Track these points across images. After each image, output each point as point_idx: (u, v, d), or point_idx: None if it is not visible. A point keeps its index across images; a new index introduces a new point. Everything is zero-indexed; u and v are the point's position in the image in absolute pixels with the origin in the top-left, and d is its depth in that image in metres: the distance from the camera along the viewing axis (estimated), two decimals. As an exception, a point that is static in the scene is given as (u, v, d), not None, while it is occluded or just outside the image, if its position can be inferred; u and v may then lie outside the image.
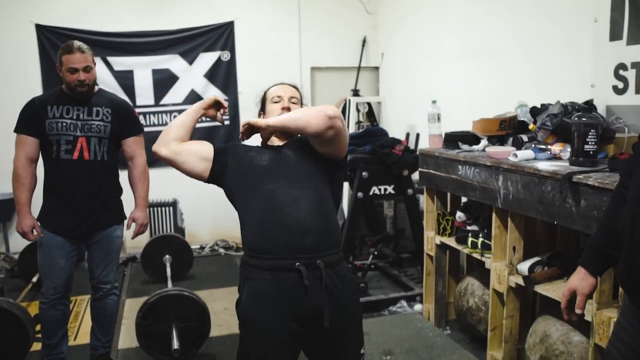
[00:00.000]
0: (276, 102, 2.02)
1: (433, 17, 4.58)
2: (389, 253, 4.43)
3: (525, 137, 2.85)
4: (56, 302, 2.77)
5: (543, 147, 2.68)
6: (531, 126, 2.86)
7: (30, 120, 2.69)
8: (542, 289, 2.52)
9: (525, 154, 2.63)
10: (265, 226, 1.77)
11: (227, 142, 4.27)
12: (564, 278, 2.53)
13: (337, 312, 1.76)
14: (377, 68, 5.78)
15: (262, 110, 2.09)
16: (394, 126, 5.14)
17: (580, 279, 1.58)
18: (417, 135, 4.44)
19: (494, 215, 2.80)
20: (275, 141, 1.98)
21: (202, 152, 1.93)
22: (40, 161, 2.77)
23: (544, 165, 2.43)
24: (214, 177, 1.94)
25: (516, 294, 2.77)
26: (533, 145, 2.74)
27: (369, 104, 5.36)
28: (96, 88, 2.81)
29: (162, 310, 3.03)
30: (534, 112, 3.01)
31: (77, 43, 2.70)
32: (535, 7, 3.37)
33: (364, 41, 5.66)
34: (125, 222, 2.94)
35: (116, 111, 2.78)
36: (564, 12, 3.16)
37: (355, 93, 5.22)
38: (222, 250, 5.38)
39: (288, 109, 1.97)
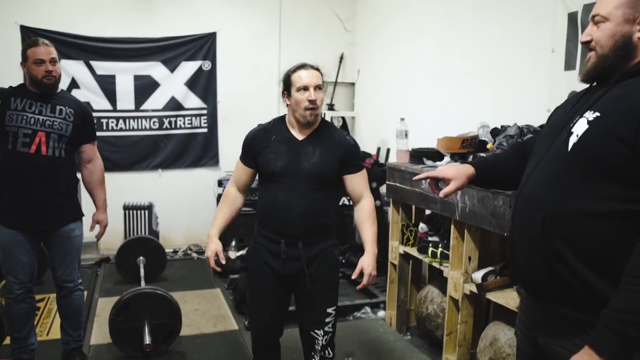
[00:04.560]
0: (302, 91, 2.24)
1: (407, 37, 4.81)
2: (356, 262, 4.59)
3: (484, 156, 3.07)
4: (23, 297, 2.82)
5: (499, 165, 2.89)
6: (489, 145, 3.08)
7: None
8: (493, 297, 2.73)
9: (483, 171, 2.83)
10: (267, 213, 2.36)
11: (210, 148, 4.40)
12: (513, 287, 2.73)
13: (310, 279, 2.32)
14: (353, 84, 6.00)
15: (287, 92, 2.31)
16: (367, 140, 5.34)
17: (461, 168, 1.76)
18: (388, 150, 4.65)
19: (452, 227, 3.00)
20: (298, 133, 2.33)
21: (244, 176, 2.45)
22: None
23: (498, 182, 2.64)
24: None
25: (470, 301, 2.97)
26: (490, 164, 2.96)
27: (343, 118, 5.56)
28: (59, 88, 2.85)
29: (136, 308, 3.15)
30: (494, 132, 3.23)
31: (40, 39, 2.78)
32: (500, 34, 3.60)
33: (342, 57, 5.88)
34: (84, 219, 2.98)
35: (79, 113, 2.85)
36: (525, 42, 3.40)
37: (331, 107, 5.42)
38: (195, 255, 5.49)
39: (314, 103, 2.24)
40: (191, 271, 5.03)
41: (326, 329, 2.39)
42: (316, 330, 2.38)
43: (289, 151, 2.29)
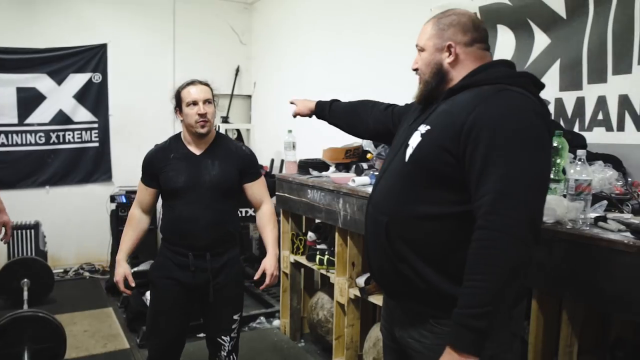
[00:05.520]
0: (192, 106, 2.34)
1: (298, 51, 4.93)
2: (252, 273, 4.62)
3: (365, 165, 3.22)
4: None
5: (378, 174, 3.05)
6: (369, 155, 3.24)
7: None
8: (375, 299, 2.87)
9: (363, 180, 2.97)
10: (173, 228, 2.39)
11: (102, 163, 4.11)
12: (393, 289, 2.88)
13: (217, 287, 2.39)
14: (249, 96, 6.04)
15: (179, 108, 2.40)
16: (264, 152, 5.40)
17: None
18: (282, 162, 4.73)
19: (336, 234, 3.12)
20: (195, 148, 2.41)
21: (147, 197, 2.48)
22: None
23: (375, 190, 2.78)
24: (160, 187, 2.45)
25: (356, 305, 3.09)
26: (371, 173, 3.11)
27: (238, 130, 5.59)
28: None
29: (14, 333, 2.98)
30: (377, 143, 3.40)
31: None
32: (384, 49, 3.79)
33: (238, 70, 5.91)
34: None
35: None
36: (407, 57, 3.58)
37: (225, 120, 5.43)
38: (87, 274, 5.29)
39: (204, 116, 2.33)
40: (82, 291, 4.83)
41: (232, 334, 2.47)
42: (223, 337, 2.46)
43: (188, 167, 2.38)
